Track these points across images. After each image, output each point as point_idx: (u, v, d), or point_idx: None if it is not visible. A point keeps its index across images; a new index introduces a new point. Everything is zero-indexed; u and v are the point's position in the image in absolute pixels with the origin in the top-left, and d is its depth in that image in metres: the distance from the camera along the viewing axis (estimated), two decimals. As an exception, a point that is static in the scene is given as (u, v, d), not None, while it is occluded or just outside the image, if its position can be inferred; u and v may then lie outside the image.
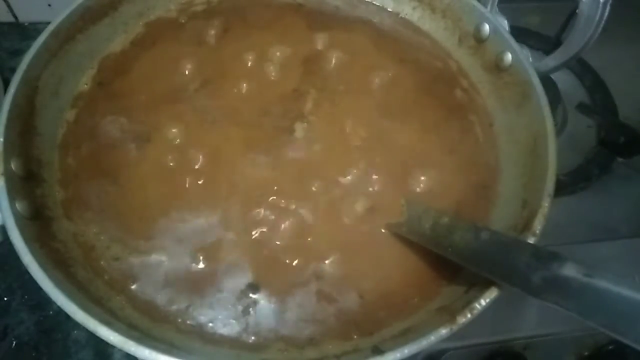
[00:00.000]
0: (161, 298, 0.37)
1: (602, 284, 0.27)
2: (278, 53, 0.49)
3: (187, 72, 0.47)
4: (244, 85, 0.47)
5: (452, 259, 0.35)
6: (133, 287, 0.37)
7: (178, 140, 0.43)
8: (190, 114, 0.45)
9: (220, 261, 0.38)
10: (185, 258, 0.38)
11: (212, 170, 0.42)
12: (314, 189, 0.42)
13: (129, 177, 0.42)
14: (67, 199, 0.40)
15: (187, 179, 0.41)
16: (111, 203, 0.40)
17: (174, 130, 0.44)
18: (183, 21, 0.52)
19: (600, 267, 0.27)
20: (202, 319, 0.36)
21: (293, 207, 0.41)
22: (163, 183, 0.41)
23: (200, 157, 0.43)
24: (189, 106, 0.45)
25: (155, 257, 0.38)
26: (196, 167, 0.42)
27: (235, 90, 0.47)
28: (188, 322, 0.36)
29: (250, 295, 0.37)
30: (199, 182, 0.41)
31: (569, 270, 0.28)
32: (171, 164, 0.42)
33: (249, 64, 0.49)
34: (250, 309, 0.37)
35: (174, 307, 0.37)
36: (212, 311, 0.37)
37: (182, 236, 0.39)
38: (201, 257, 0.38)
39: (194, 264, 0.38)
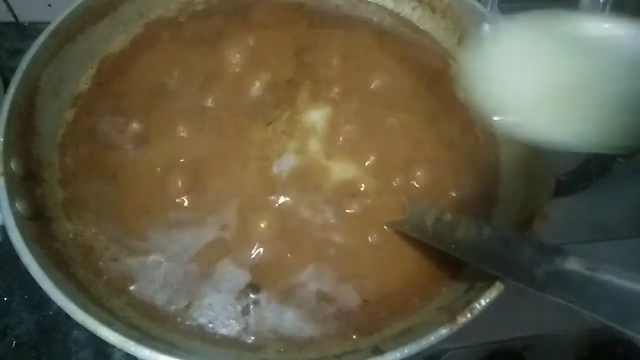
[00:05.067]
0: (159, 299, 0.37)
1: (605, 277, 0.27)
2: (276, 46, 0.49)
3: (184, 72, 0.47)
4: (241, 82, 0.47)
5: (455, 255, 0.35)
6: (131, 288, 0.37)
7: (175, 139, 0.43)
8: (187, 113, 0.45)
9: (219, 261, 0.38)
10: (184, 258, 0.38)
11: (210, 168, 0.42)
12: (309, 185, 0.42)
13: (126, 178, 0.41)
14: (66, 199, 0.40)
15: (185, 178, 0.41)
16: (109, 203, 0.40)
17: (171, 129, 0.43)
18: (182, 20, 0.52)
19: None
20: (202, 319, 0.36)
21: (291, 204, 0.41)
22: (161, 183, 0.41)
23: (198, 155, 0.43)
24: (187, 105, 0.45)
25: (153, 258, 0.38)
26: (194, 165, 0.42)
27: (232, 87, 0.47)
28: (187, 322, 0.36)
29: (250, 295, 0.37)
30: (197, 182, 0.41)
31: (572, 264, 0.28)
32: (169, 164, 0.42)
33: (247, 60, 0.49)
34: (250, 309, 0.37)
35: (173, 308, 0.36)
36: (211, 312, 0.37)
37: (180, 236, 0.39)
38: (200, 258, 0.38)
39: (192, 264, 0.38)
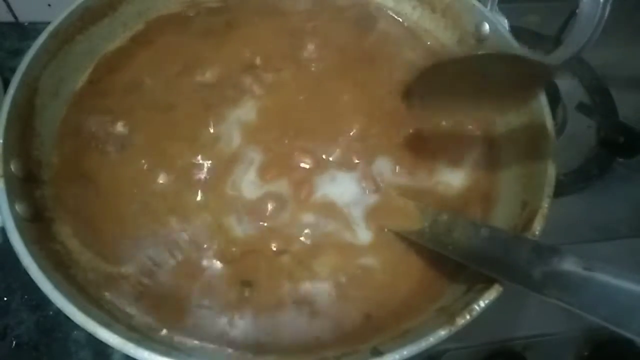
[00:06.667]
0: (133, 312, 0.35)
1: (602, 277, 0.27)
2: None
3: (177, 69, 0.47)
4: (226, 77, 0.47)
5: (453, 257, 0.35)
6: (106, 294, 0.36)
7: (159, 140, 0.43)
8: (172, 112, 0.44)
9: (202, 273, 0.37)
10: (161, 270, 0.37)
11: (189, 175, 0.41)
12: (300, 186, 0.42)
13: (105, 180, 0.41)
14: (51, 197, 0.39)
15: (165, 182, 0.41)
16: (86, 205, 0.39)
17: (153, 131, 0.43)
18: (178, 18, 0.52)
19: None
20: (199, 321, 0.36)
21: (281, 206, 0.41)
22: (139, 188, 0.40)
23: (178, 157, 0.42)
24: (163, 103, 0.45)
25: (125, 269, 0.37)
26: (175, 169, 0.41)
27: (214, 82, 0.47)
28: (181, 327, 0.35)
29: (243, 297, 0.37)
30: (177, 188, 0.41)
31: (569, 265, 0.28)
32: (148, 168, 0.41)
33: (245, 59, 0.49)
34: (246, 312, 0.36)
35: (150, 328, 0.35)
36: (207, 316, 0.36)
37: (158, 245, 0.38)
38: (180, 269, 0.37)
39: (168, 278, 0.37)
